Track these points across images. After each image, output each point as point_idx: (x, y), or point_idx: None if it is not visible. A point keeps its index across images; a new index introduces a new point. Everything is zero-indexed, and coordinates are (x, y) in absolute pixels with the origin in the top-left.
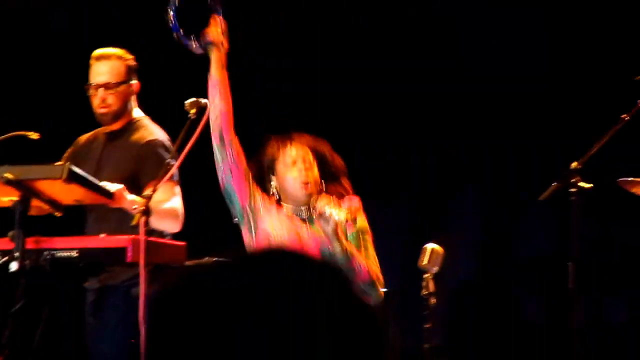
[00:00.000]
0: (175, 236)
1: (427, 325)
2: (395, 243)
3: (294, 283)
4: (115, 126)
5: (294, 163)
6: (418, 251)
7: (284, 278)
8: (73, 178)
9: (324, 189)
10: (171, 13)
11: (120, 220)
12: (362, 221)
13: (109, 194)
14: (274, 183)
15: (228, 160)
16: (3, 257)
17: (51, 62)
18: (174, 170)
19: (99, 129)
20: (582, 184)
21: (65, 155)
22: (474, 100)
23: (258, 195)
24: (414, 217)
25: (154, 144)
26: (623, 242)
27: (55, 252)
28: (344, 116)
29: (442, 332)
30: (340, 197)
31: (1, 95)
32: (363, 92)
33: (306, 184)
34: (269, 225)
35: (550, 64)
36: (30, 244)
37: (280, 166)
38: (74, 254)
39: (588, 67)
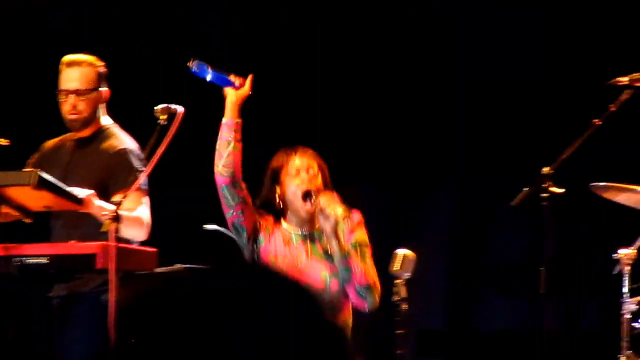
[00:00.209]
0: (145, 243)
1: (399, 332)
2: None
3: (269, 298)
4: (84, 133)
5: (298, 172)
6: (389, 256)
7: (260, 291)
8: (43, 184)
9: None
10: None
11: (90, 227)
12: (362, 235)
13: (78, 200)
14: (277, 193)
15: (239, 202)
16: None
17: (51, 62)
18: (143, 179)
19: (65, 135)
20: (553, 189)
21: (31, 161)
22: (473, 100)
23: (263, 225)
24: (384, 221)
25: (124, 153)
26: (594, 247)
27: (24, 258)
28: (342, 117)
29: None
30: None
31: (1, 95)
32: (364, 93)
33: (306, 194)
34: (271, 257)
35: (550, 64)
36: None
37: (284, 176)
38: (44, 260)
39: (588, 67)
